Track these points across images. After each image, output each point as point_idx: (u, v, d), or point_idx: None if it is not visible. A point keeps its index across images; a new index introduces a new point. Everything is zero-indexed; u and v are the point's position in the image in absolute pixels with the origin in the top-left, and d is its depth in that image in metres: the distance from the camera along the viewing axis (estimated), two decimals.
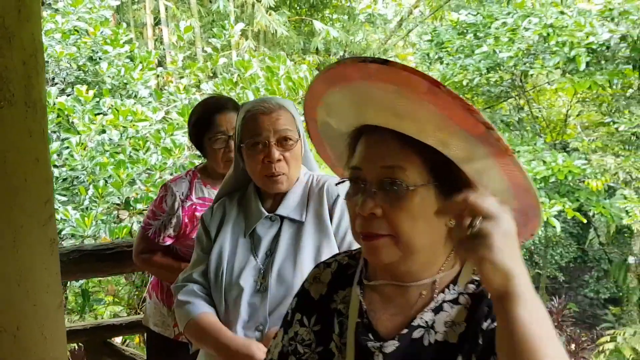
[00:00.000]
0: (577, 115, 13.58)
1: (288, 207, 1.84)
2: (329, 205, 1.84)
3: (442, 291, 1.11)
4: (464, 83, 10.50)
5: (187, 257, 2.41)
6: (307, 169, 1.98)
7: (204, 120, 2.45)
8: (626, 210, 9.13)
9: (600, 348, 12.29)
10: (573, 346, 10.22)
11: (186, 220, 2.46)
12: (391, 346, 1.10)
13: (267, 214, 1.85)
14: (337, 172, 1.34)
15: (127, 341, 6.17)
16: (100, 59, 6.56)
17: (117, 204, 5.74)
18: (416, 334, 1.09)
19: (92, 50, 6.52)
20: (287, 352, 1.27)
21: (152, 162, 5.76)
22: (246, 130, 1.82)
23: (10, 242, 1.50)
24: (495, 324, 0.99)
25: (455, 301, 1.10)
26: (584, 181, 9.74)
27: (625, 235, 14.55)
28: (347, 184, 1.16)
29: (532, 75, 10.90)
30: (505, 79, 11.20)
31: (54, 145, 5.44)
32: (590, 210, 9.64)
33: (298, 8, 12.56)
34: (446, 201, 1.02)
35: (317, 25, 10.76)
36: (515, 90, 12.17)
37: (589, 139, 11.62)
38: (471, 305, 1.08)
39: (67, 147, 5.56)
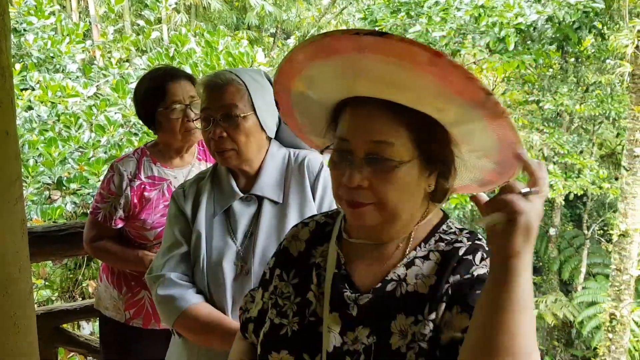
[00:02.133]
0: (502, 94, 14.11)
1: (263, 187, 1.77)
2: (310, 182, 1.79)
3: (414, 248, 1.18)
4: None
5: (138, 240, 2.39)
6: (285, 144, 1.89)
7: (155, 91, 2.31)
8: (550, 185, 9.62)
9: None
10: None
11: (135, 201, 2.36)
12: (365, 298, 1.16)
13: (241, 194, 1.77)
14: (304, 140, 1.35)
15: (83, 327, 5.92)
16: (25, 30, 6.15)
17: (48, 184, 5.45)
18: (389, 287, 1.15)
19: (16, 21, 6.09)
20: (267, 307, 1.30)
21: (84, 140, 5.49)
22: (201, 103, 1.76)
23: None
24: (459, 277, 1.10)
25: (426, 257, 1.17)
26: None
27: (546, 208, 15.36)
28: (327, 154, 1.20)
29: (460, 54, 11.18)
30: None
31: None
32: None
33: None
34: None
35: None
36: None
37: (514, 117, 12.10)
38: (441, 261, 1.15)
39: None
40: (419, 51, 0.96)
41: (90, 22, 8.46)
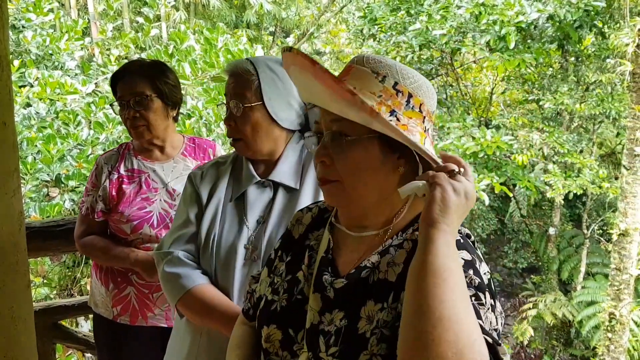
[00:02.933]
0: (502, 93, 14.09)
1: (281, 173, 1.77)
2: None
3: (392, 237, 1.22)
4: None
5: (118, 234, 2.36)
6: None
7: (112, 88, 2.39)
8: (550, 184, 9.60)
9: (523, 315, 12.99)
10: None
11: (113, 193, 2.38)
12: (340, 282, 1.21)
13: (258, 178, 1.78)
14: None
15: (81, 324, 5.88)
16: (23, 27, 6.11)
17: (47, 181, 5.42)
18: (363, 274, 1.19)
19: (15, 17, 6.06)
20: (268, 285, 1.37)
21: (83, 137, 5.47)
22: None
23: None
24: None
25: (400, 245, 1.20)
26: (509, 156, 10.15)
27: (545, 207, 15.36)
28: None
29: (460, 52, 11.17)
30: (436, 56, 11.41)
31: None
32: (515, 184, 10.06)
33: None
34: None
35: None
36: (444, 67, 12.44)
37: (510, 116, 12.09)
38: (411, 250, 1.17)
39: None
40: (302, 60, 1.12)
41: (89, 20, 8.43)
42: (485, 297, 1.08)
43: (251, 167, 1.81)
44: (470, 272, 1.09)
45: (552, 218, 14.62)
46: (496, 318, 1.10)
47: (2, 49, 1.37)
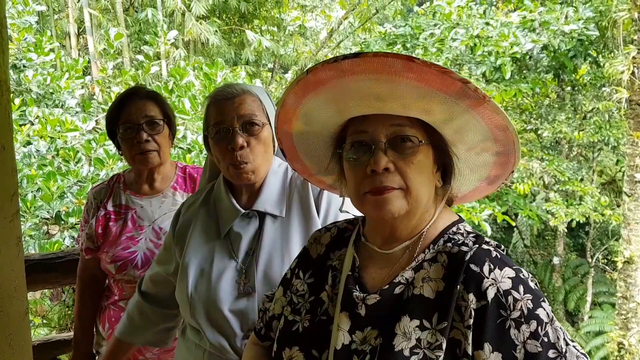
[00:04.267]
0: None
1: (266, 202, 1.71)
2: (314, 197, 1.74)
3: (423, 251, 1.20)
4: None
5: (107, 272, 2.28)
6: (282, 160, 1.86)
7: (115, 112, 2.21)
8: (552, 212, 9.57)
9: None
10: None
11: (99, 231, 2.25)
12: (373, 299, 1.18)
13: (242, 210, 1.71)
14: (315, 182, 1.44)
15: None
16: (24, 66, 6.18)
17: (47, 219, 5.40)
18: (397, 290, 1.17)
19: (16, 57, 6.13)
20: (285, 305, 1.35)
21: (83, 174, 5.47)
22: (210, 117, 1.71)
23: None
24: (484, 302, 1.09)
25: (433, 259, 1.18)
26: (510, 185, 10.14)
27: (548, 237, 15.26)
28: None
29: None
30: None
31: None
32: (517, 213, 10.03)
33: (227, 19, 12.40)
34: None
35: (250, 35, 10.65)
36: None
37: None
38: (448, 264, 1.15)
39: None
40: (393, 61, 1.04)
41: (89, 59, 8.54)
42: (557, 329, 1.11)
43: (233, 199, 1.74)
44: (528, 301, 1.10)
45: (555, 248, 14.53)
46: (561, 328, 1.12)
47: (1, 73, 1.37)
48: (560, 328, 1.12)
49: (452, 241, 1.19)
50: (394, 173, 1.14)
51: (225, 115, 1.67)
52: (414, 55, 8.00)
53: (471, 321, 1.09)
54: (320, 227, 1.68)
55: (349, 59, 1.06)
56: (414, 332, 1.11)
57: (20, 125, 5.55)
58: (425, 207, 1.20)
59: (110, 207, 2.28)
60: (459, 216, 1.30)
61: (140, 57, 6.92)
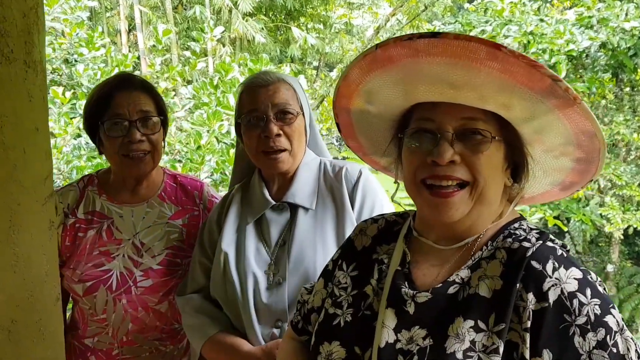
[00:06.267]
0: None
1: (296, 194, 1.70)
2: (348, 190, 1.71)
3: (481, 248, 1.12)
4: None
5: (70, 292, 1.92)
6: (316, 154, 1.84)
7: (101, 100, 1.86)
8: (607, 218, 9.18)
9: None
10: None
11: (67, 244, 1.88)
12: (424, 297, 1.10)
13: (273, 202, 1.71)
14: (368, 162, 1.36)
15: None
16: (76, 61, 6.31)
17: None
18: (452, 289, 1.09)
19: (68, 52, 6.27)
20: (325, 297, 1.29)
21: None
22: (243, 105, 1.69)
23: (6, 222, 1.27)
24: (545, 304, 0.99)
25: (491, 256, 1.10)
26: None
27: (602, 243, 14.72)
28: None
29: None
30: None
31: None
32: (570, 217, 9.66)
33: (274, 16, 12.45)
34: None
35: (295, 31, 10.66)
36: None
37: None
38: (507, 261, 1.07)
39: None
40: (476, 46, 0.93)
41: (139, 55, 8.68)
42: (628, 339, 1.01)
43: (265, 190, 1.73)
44: (596, 306, 1.01)
45: (609, 255, 13.98)
46: (632, 339, 1.02)
47: (36, 52, 1.34)
48: (632, 339, 1.00)
49: (513, 236, 1.10)
50: (460, 165, 1.06)
51: (260, 103, 1.65)
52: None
53: (529, 323, 0.98)
54: (354, 221, 1.66)
55: (425, 38, 0.97)
56: (467, 334, 1.02)
57: (71, 118, 5.66)
58: (491, 204, 1.11)
59: (80, 215, 1.92)
60: (520, 214, 1.20)
61: (188, 54, 6.98)
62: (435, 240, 1.18)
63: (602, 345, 0.96)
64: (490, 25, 9.47)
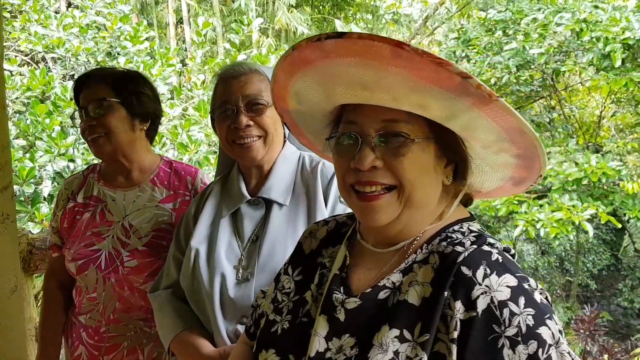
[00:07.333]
0: (612, 117, 13.09)
1: (272, 189, 1.66)
2: (323, 187, 1.67)
3: (415, 252, 1.07)
4: (492, 81, 10.13)
5: (73, 281, 2.08)
6: (297, 148, 1.79)
7: (76, 99, 2.05)
8: None
9: (635, 359, 11.78)
10: (606, 356, 9.81)
11: (65, 225, 2.07)
12: (353, 303, 1.06)
13: (248, 197, 1.68)
14: (325, 158, 1.32)
15: None
16: (118, 54, 6.47)
17: None
18: (382, 294, 1.05)
19: (111, 45, 6.43)
20: (270, 302, 1.25)
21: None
22: (217, 97, 1.68)
23: None
24: (473, 313, 0.92)
25: (424, 260, 1.05)
26: (618, 184, 9.31)
27: None
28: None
29: (564, 73, 10.50)
30: (536, 77, 10.80)
31: (70, 139, 5.33)
32: (625, 214, 9.19)
33: (321, 7, 12.38)
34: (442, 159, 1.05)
35: (338, 24, 10.58)
36: (546, 89, 11.75)
37: (621, 141, 11.14)
38: (439, 267, 1.02)
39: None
40: (380, 46, 0.89)
41: (186, 48, 8.83)
42: (564, 353, 0.94)
43: (242, 183, 1.70)
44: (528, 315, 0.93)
45: None
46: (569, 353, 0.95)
47: None
48: (569, 353, 0.92)
49: (449, 240, 1.03)
50: (383, 170, 1.01)
51: (231, 95, 1.62)
52: (516, 41, 7.45)
53: (456, 334, 0.92)
54: (326, 217, 1.61)
55: (332, 38, 0.93)
56: (392, 344, 0.96)
57: None
58: (424, 206, 1.05)
59: (80, 199, 2.09)
60: (470, 213, 1.13)
61: (227, 46, 7.04)
62: (373, 243, 1.14)
63: (533, 359, 0.89)
64: (543, 12, 9.10)
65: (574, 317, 11.61)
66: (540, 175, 1.05)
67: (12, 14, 6.61)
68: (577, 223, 8.37)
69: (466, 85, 0.88)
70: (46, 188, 4.65)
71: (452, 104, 0.93)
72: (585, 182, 8.63)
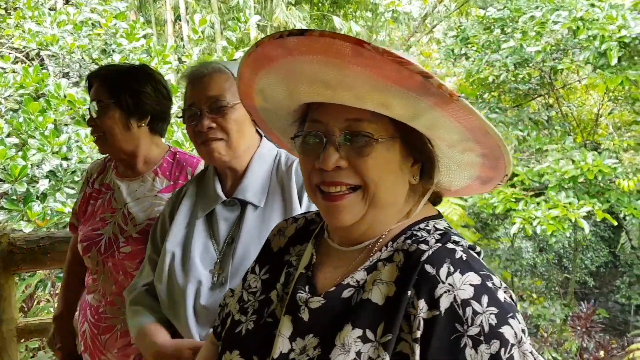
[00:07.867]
0: (609, 114, 13.07)
1: (247, 189, 1.65)
2: (298, 187, 1.66)
3: (380, 250, 1.07)
4: (490, 79, 10.14)
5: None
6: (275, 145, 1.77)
7: None
8: None
9: (631, 355, 11.80)
10: (602, 353, 9.83)
11: (82, 209, 2.24)
12: (317, 302, 1.06)
13: (223, 198, 1.67)
14: (296, 156, 1.28)
15: None
16: (113, 51, 6.45)
17: None
18: (346, 293, 1.04)
19: (106, 43, 6.41)
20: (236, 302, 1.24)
21: None
22: (185, 99, 1.68)
23: None
24: (436, 312, 0.92)
25: (389, 259, 1.05)
26: (614, 181, 9.31)
27: None
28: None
29: (561, 71, 10.49)
30: (534, 75, 10.79)
31: (63, 137, 5.33)
32: (621, 212, 9.19)
33: (319, 4, 12.35)
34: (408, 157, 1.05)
35: (337, 21, 10.55)
36: (544, 87, 11.73)
37: (618, 139, 11.12)
38: (403, 265, 1.02)
39: (77, 140, 5.46)
40: (341, 44, 0.89)
41: (183, 46, 8.81)
42: (526, 353, 0.94)
43: (218, 184, 1.69)
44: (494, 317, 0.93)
45: None
46: (532, 352, 0.95)
47: None
48: (532, 352, 0.92)
49: (413, 238, 1.03)
50: (348, 170, 1.01)
51: (194, 97, 1.62)
52: (513, 39, 7.42)
53: (419, 333, 0.92)
54: None
55: (294, 35, 0.93)
56: (354, 344, 0.96)
57: None
58: (389, 205, 1.06)
59: (96, 185, 2.25)
60: (438, 212, 1.13)
61: (224, 43, 7.03)
62: (339, 242, 1.13)
63: (495, 358, 0.89)
64: (540, 10, 9.08)
65: (570, 314, 11.61)
66: (506, 175, 1.06)
67: (7, 11, 6.61)
68: (573, 220, 8.38)
69: (427, 85, 0.89)
70: (42, 186, 4.67)
71: (415, 103, 0.93)
72: (581, 179, 8.64)
